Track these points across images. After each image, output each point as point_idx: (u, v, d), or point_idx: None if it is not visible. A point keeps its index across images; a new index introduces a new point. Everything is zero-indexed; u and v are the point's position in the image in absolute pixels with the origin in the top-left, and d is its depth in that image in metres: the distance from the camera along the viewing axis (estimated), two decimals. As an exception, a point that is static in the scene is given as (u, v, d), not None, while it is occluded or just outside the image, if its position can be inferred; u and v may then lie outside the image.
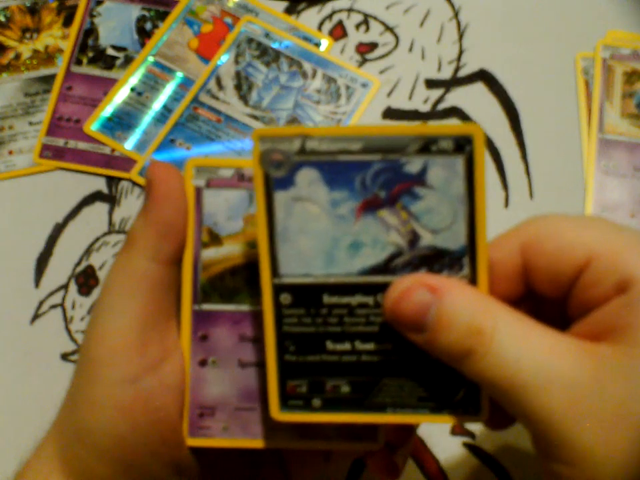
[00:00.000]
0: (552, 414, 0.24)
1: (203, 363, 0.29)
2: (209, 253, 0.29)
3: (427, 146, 0.25)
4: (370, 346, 0.27)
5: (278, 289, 0.27)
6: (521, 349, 0.24)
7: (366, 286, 0.27)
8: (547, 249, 0.26)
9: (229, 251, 0.29)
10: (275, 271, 0.27)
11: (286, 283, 0.27)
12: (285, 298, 0.27)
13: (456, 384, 0.27)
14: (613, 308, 0.25)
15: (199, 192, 0.29)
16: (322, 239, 0.27)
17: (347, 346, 0.27)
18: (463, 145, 0.25)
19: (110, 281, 0.29)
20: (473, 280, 0.27)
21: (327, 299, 0.27)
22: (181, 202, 0.29)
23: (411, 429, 0.32)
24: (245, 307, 0.29)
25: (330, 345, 0.28)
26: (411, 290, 0.25)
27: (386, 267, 0.27)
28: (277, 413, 0.28)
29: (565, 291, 0.27)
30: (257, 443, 0.30)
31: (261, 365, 0.29)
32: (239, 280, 0.29)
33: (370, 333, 0.27)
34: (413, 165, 0.26)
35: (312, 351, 0.28)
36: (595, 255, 0.25)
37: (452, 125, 0.26)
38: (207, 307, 0.29)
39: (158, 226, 0.28)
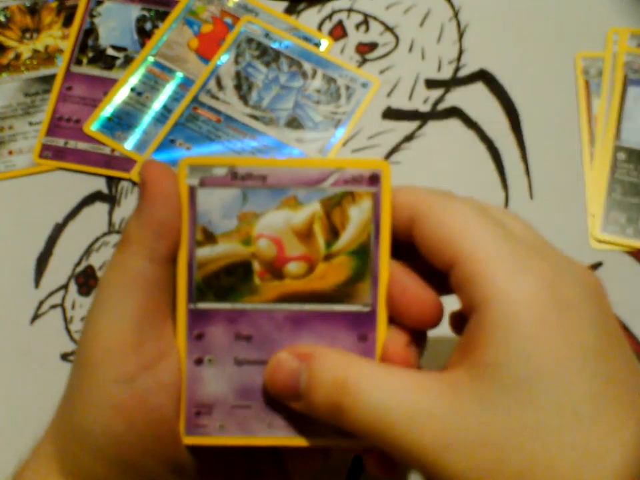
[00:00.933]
0: (422, 448, 0.25)
1: (199, 362, 0.30)
2: (204, 252, 0.29)
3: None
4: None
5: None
6: (385, 393, 0.26)
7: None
8: (425, 235, 0.27)
9: (224, 249, 0.30)
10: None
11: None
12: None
13: None
14: (470, 325, 0.26)
15: (192, 191, 0.29)
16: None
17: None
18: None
19: (105, 281, 0.29)
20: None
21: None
22: (175, 201, 0.29)
23: None
24: (240, 305, 0.29)
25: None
26: (282, 361, 0.28)
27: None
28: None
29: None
30: (254, 441, 0.30)
31: (257, 363, 0.30)
32: (233, 278, 0.29)
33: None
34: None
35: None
36: (458, 262, 0.26)
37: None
38: (202, 305, 0.29)
39: (152, 225, 0.29)
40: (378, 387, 0.26)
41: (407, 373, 0.27)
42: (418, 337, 0.30)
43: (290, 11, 0.52)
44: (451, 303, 0.30)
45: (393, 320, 0.30)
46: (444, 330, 0.31)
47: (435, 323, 0.29)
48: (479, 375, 0.25)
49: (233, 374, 0.30)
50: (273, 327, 0.29)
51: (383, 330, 0.29)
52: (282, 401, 0.29)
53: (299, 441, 0.30)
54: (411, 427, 0.25)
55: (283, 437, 0.30)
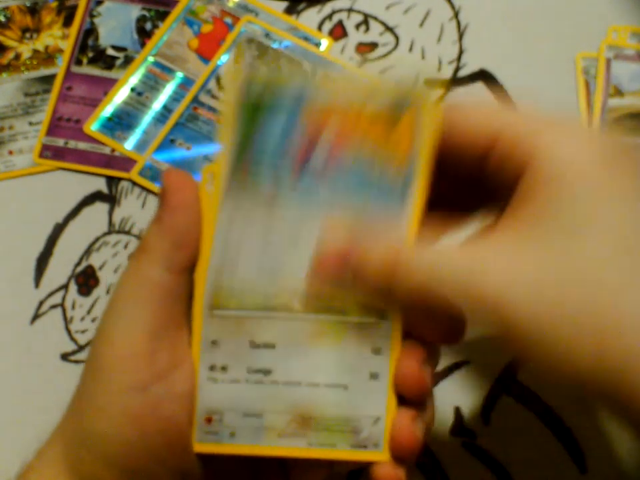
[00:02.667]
0: (486, 291, 0.25)
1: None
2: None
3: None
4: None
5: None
6: (441, 251, 0.26)
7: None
8: (458, 125, 0.28)
9: None
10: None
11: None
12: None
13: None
14: (519, 190, 0.26)
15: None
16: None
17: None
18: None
19: (121, 288, 0.29)
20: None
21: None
22: (196, 211, 0.29)
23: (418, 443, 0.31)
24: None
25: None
26: (331, 242, 0.28)
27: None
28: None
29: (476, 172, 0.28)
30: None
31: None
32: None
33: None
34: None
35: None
36: (500, 133, 0.27)
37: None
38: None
39: (172, 235, 0.28)
40: (434, 248, 0.26)
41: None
42: (433, 353, 0.30)
43: (290, 11, 0.52)
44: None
45: (410, 334, 0.29)
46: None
47: (459, 337, 0.29)
48: (535, 221, 0.25)
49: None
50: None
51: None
52: (330, 284, 0.28)
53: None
54: (472, 274, 0.25)
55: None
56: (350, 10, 0.51)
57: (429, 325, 0.29)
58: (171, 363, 0.29)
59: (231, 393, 0.29)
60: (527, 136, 0.26)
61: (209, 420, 0.29)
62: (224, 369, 0.29)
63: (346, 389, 0.29)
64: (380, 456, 0.30)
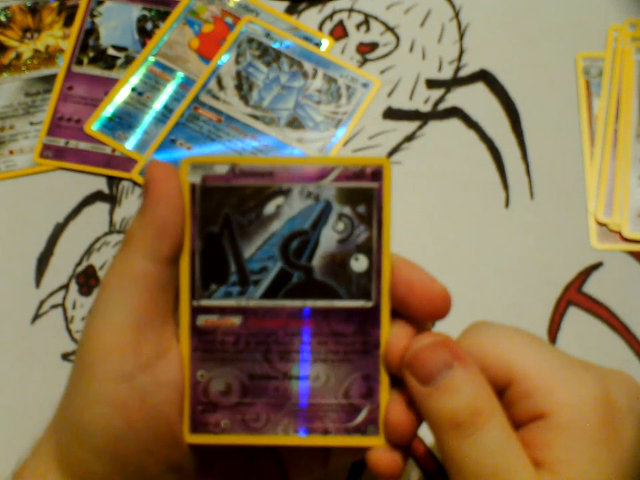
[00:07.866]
0: None
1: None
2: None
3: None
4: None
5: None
6: (506, 447, 0.27)
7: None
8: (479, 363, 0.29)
9: None
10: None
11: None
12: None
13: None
14: (534, 429, 0.28)
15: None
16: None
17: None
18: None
19: (106, 280, 0.29)
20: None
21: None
22: (178, 201, 0.29)
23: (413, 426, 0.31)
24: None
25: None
26: (437, 345, 0.28)
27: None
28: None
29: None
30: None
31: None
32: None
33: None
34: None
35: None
36: (515, 380, 0.28)
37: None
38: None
39: (155, 225, 0.29)
40: (502, 437, 0.27)
41: (521, 447, 0.28)
42: (422, 331, 0.30)
43: (291, 10, 0.52)
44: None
45: (399, 314, 0.30)
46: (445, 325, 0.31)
47: (444, 313, 0.29)
48: (551, 469, 0.27)
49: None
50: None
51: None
52: (402, 371, 0.28)
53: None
54: None
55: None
56: (351, 10, 0.51)
57: (415, 303, 0.29)
58: (157, 353, 0.29)
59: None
60: (540, 390, 0.28)
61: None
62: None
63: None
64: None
